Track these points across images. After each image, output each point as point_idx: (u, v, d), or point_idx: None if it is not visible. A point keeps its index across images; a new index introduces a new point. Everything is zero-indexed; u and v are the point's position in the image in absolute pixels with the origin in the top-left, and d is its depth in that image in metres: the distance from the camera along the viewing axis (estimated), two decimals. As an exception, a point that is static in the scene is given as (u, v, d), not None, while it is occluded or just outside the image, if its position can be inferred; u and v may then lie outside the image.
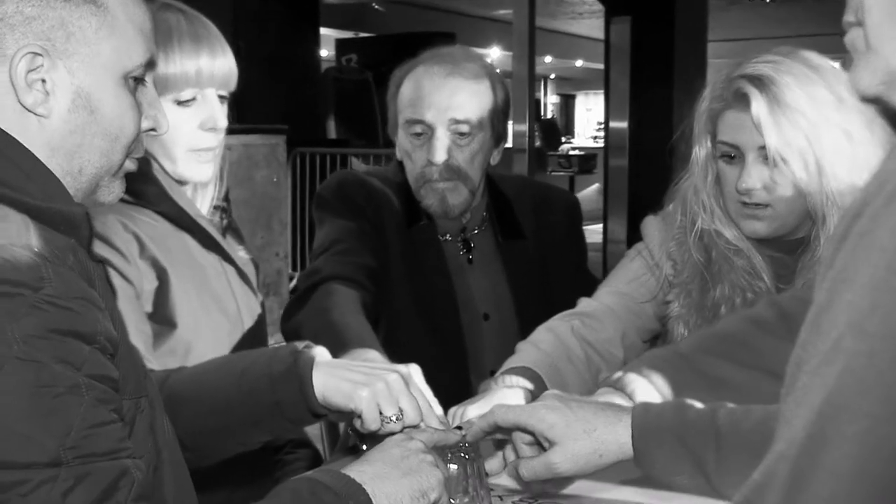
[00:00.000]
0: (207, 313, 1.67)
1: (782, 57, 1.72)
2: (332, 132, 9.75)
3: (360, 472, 1.18)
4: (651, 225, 1.93)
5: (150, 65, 1.19)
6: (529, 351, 1.73)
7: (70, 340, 0.96)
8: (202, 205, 1.77)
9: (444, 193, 2.04)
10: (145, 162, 1.65)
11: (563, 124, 22.83)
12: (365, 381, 1.33)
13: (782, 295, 1.66)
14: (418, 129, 2.04)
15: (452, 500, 1.30)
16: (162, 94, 1.63)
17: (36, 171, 1.08)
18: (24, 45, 1.07)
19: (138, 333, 1.52)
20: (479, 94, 2.04)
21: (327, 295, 1.83)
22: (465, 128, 2.02)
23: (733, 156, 1.75)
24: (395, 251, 2.06)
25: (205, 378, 1.39)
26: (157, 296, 1.60)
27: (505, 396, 1.59)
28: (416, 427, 1.34)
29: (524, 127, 7.76)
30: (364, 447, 1.38)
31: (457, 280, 2.11)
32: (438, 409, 1.42)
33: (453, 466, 1.33)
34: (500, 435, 1.41)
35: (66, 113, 1.10)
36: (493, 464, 1.46)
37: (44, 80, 1.08)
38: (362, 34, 13.08)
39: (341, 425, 2.04)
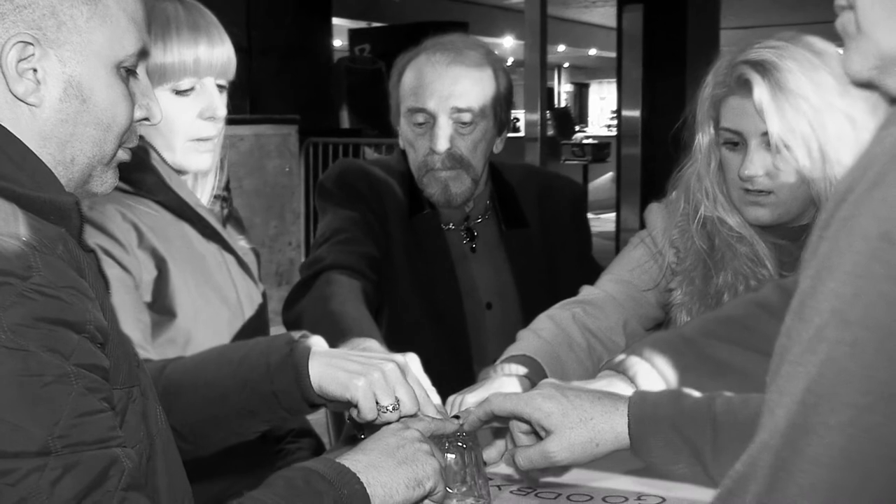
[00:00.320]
0: (207, 303, 1.67)
1: (785, 42, 1.70)
2: (345, 122, 9.76)
3: (355, 461, 1.18)
4: (654, 212, 1.92)
5: (143, 54, 1.19)
6: (530, 339, 1.72)
7: (59, 329, 0.96)
8: (202, 194, 1.77)
9: (446, 182, 2.03)
10: (144, 151, 1.65)
11: (577, 113, 22.76)
12: (361, 371, 1.32)
13: (788, 279, 1.65)
14: (420, 117, 2.03)
15: (450, 489, 1.30)
16: (160, 84, 1.63)
17: (26, 161, 1.08)
18: (14, 34, 1.06)
19: (137, 323, 1.52)
20: (481, 82, 2.03)
21: (327, 284, 1.83)
22: (467, 116, 2.01)
23: (736, 142, 1.74)
24: (397, 240, 2.06)
25: (201, 367, 1.39)
26: (156, 285, 1.60)
27: (503, 385, 1.59)
28: (413, 416, 1.34)
29: (536, 116, 7.74)
30: (362, 437, 1.37)
31: (460, 269, 2.10)
32: (436, 399, 1.41)
33: (451, 455, 1.33)
34: (496, 423, 1.40)
35: (58, 102, 1.10)
36: (491, 453, 1.45)
37: (35, 70, 1.08)
38: (375, 24, 13.08)
39: (346, 414, 2.04)
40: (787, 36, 1.72)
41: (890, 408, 0.65)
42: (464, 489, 1.32)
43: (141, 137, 1.64)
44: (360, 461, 1.18)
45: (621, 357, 1.51)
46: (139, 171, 1.62)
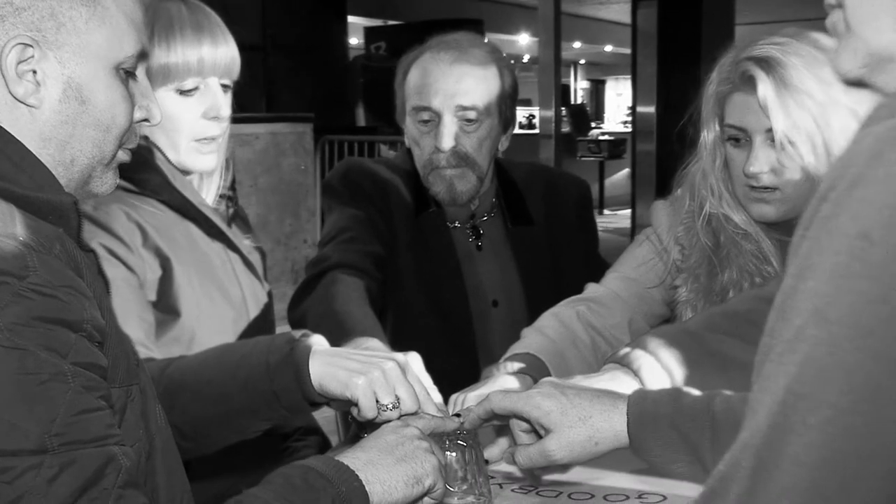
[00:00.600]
0: (211, 302, 1.67)
1: (789, 38, 1.69)
2: (361, 120, 9.78)
3: (354, 458, 1.18)
4: (659, 210, 1.92)
5: (142, 56, 1.19)
6: (534, 337, 1.72)
7: (56, 328, 0.97)
8: (208, 194, 1.78)
9: (451, 180, 2.04)
10: (148, 151, 1.66)
11: (594, 110, 22.72)
12: (361, 370, 1.33)
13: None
14: (425, 115, 2.03)
15: (450, 487, 1.30)
16: (164, 84, 1.64)
17: (26, 161, 1.08)
18: (14, 36, 1.07)
19: (141, 322, 1.53)
20: (486, 79, 2.03)
21: (332, 283, 1.84)
22: (472, 114, 2.01)
23: (740, 139, 1.73)
24: (403, 239, 2.06)
25: (203, 366, 1.40)
26: (160, 285, 1.61)
27: (506, 383, 1.59)
28: (413, 415, 1.34)
29: (551, 112, 7.73)
30: (364, 435, 1.38)
31: (466, 267, 2.10)
32: (437, 397, 1.41)
33: (452, 454, 1.33)
34: (496, 422, 1.41)
35: (57, 103, 1.11)
36: (493, 451, 1.46)
37: (34, 71, 1.09)
38: (391, 22, 13.08)
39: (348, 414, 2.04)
40: (792, 32, 1.72)
41: (869, 407, 0.65)
42: (464, 487, 1.33)
43: (145, 137, 1.66)
44: (358, 458, 1.18)
45: (625, 350, 1.50)
46: (143, 171, 1.63)
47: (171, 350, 1.57)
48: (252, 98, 7.38)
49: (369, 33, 11.56)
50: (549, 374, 1.62)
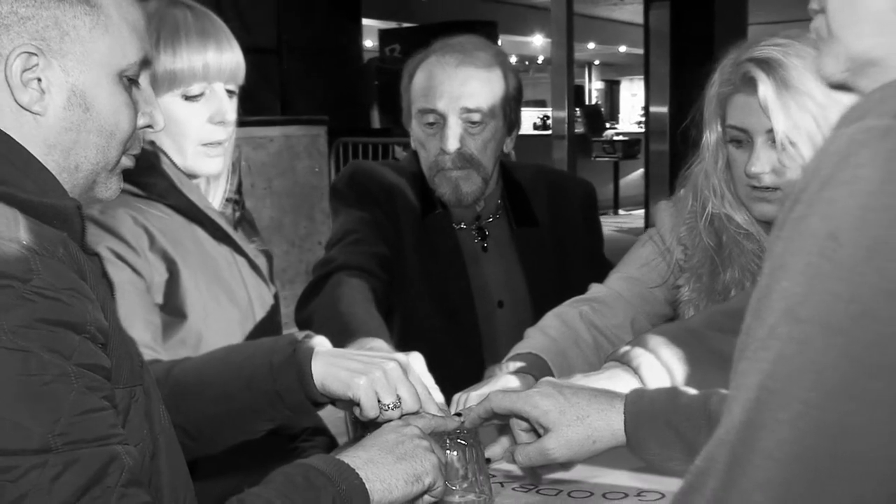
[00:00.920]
0: (218, 304, 1.69)
1: (791, 39, 1.70)
2: (375, 122, 9.80)
3: (354, 457, 1.20)
4: (662, 210, 1.93)
5: (145, 63, 1.22)
6: (537, 337, 1.74)
7: (59, 330, 0.99)
8: (214, 197, 1.80)
9: (457, 182, 2.06)
10: (155, 156, 1.68)
11: (608, 110, 22.68)
12: (362, 370, 1.35)
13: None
14: (431, 118, 2.05)
15: (451, 486, 1.32)
16: (170, 89, 1.67)
17: (30, 167, 1.11)
18: (19, 45, 1.10)
19: (147, 325, 1.56)
20: (491, 82, 2.05)
21: (338, 285, 1.86)
22: (476, 116, 2.03)
23: (742, 140, 1.74)
24: (409, 240, 2.08)
25: (207, 367, 1.42)
26: (167, 287, 1.63)
27: (508, 382, 1.60)
28: (415, 414, 1.36)
29: (563, 113, 7.73)
30: (367, 435, 1.40)
31: (471, 268, 2.12)
32: (439, 397, 1.43)
33: (452, 452, 1.34)
34: (497, 421, 1.42)
35: (62, 111, 1.13)
36: (495, 449, 1.47)
37: (39, 79, 1.11)
38: (405, 24, 13.11)
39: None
40: (793, 33, 1.72)
41: (839, 404, 0.66)
42: (465, 486, 1.34)
43: (152, 142, 1.68)
44: (359, 457, 1.20)
45: (626, 348, 1.52)
46: (150, 176, 1.66)
47: (179, 352, 1.59)
48: (266, 101, 7.41)
49: (384, 35, 11.59)
50: (551, 374, 1.64)
